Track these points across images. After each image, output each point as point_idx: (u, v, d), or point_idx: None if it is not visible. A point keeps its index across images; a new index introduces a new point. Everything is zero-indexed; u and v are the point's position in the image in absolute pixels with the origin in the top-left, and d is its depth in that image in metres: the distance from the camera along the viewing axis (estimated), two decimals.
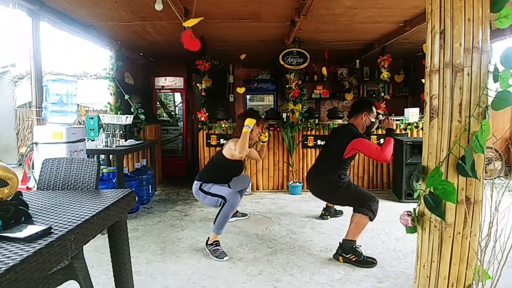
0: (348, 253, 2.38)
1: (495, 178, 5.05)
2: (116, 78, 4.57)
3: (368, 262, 2.35)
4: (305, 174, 4.56)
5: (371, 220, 2.39)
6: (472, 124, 1.25)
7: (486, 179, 1.44)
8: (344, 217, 3.37)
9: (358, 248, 2.38)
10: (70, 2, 3.06)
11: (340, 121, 4.69)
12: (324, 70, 5.02)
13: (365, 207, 2.38)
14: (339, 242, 2.46)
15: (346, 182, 2.61)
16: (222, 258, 2.43)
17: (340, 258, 2.41)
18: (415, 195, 1.46)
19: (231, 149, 2.67)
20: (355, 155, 2.73)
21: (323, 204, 3.44)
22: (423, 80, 1.51)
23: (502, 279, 1.27)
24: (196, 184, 2.78)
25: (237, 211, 3.34)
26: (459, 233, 1.29)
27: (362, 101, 2.96)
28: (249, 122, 2.63)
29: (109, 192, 1.57)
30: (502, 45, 3.98)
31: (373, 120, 2.75)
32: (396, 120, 4.66)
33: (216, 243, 2.53)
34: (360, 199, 2.44)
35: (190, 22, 2.45)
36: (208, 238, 2.58)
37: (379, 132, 4.43)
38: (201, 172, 2.91)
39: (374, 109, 2.77)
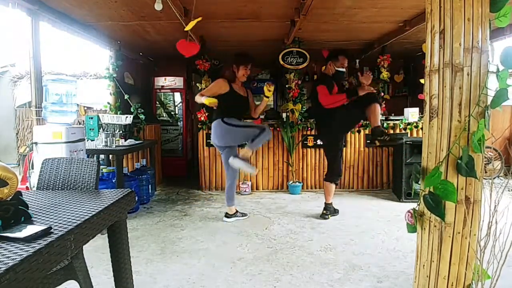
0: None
1: (494, 177, 5.05)
2: (116, 78, 4.56)
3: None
4: (305, 173, 4.60)
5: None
6: (472, 123, 1.25)
7: (485, 179, 1.44)
8: (343, 217, 3.38)
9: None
10: (70, 2, 3.06)
11: None
12: (323, 69, 5.02)
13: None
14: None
15: (340, 150, 3.30)
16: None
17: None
18: (413, 194, 1.46)
19: (211, 88, 3.05)
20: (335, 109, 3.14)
21: (323, 203, 3.45)
22: (422, 81, 1.52)
23: (501, 279, 1.27)
24: (217, 121, 3.07)
25: (236, 211, 3.35)
26: (459, 232, 1.29)
27: (330, 52, 3.39)
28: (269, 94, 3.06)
29: (109, 192, 1.57)
30: (502, 44, 3.99)
31: (339, 69, 3.19)
32: (396, 120, 4.70)
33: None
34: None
35: (190, 25, 2.48)
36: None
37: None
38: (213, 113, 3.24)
39: (340, 58, 3.17)
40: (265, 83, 3.11)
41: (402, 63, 6.27)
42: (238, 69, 3.13)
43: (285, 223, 3.26)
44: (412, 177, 3.44)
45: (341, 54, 3.19)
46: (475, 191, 1.28)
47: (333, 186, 3.32)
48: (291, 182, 4.48)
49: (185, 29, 2.66)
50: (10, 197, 1.21)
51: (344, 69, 3.20)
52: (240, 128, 3.02)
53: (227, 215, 3.28)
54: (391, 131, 4.58)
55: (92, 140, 3.72)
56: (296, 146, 4.53)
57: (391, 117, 4.79)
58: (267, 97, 3.11)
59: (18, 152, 7.22)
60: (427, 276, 1.36)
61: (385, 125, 4.56)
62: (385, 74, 4.82)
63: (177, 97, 6.17)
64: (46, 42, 3.46)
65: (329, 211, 3.32)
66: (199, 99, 2.96)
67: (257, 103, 3.42)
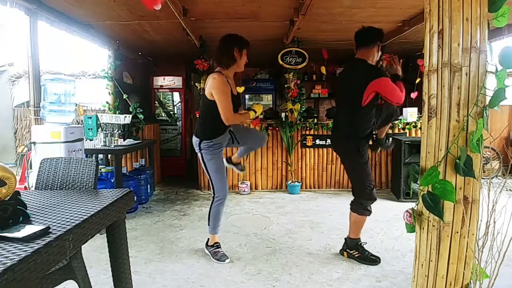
0: (352, 249, 2.44)
1: (492, 177, 5.07)
2: (115, 78, 4.55)
3: (371, 260, 2.38)
4: (304, 173, 4.59)
5: (369, 215, 2.39)
6: (470, 123, 1.25)
7: (483, 179, 1.45)
8: (343, 216, 3.37)
9: (362, 244, 2.43)
10: (68, 1, 3.04)
11: None
12: (323, 70, 5.03)
13: (361, 208, 2.35)
14: (345, 238, 2.52)
15: (365, 161, 2.31)
16: (224, 261, 2.38)
17: (345, 253, 2.48)
18: (411, 193, 1.47)
19: (218, 94, 2.17)
20: (375, 106, 2.22)
21: (322, 203, 3.45)
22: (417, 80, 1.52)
23: (499, 278, 1.28)
24: (195, 141, 2.37)
25: (240, 161, 2.78)
26: (457, 232, 1.30)
27: (375, 29, 2.28)
28: (259, 109, 2.38)
29: (108, 191, 1.56)
30: (500, 44, 4.00)
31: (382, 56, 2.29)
32: (395, 119, 4.70)
33: (217, 245, 2.47)
34: (359, 195, 2.35)
35: None
36: (208, 239, 2.54)
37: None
38: (196, 126, 2.46)
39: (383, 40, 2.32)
40: (254, 104, 2.58)
41: (401, 63, 6.28)
42: (241, 54, 2.33)
43: (284, 223, 3.26)
44: (410, 177, 3.36)
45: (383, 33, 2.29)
46: (474, 191, 1.28)
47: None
48: (290, 181, 4.49)
49: None
50: (8, 197, 1.21)
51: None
52: (204, 165, 2.36)
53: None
54: (390, 131, 4.59)
55: (90, 140, 3.71)
56: (295, 146, 4.53)
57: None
58: (255, 112, 2.44)
59: (16, 151, 7.20)
60: (425, 276, 1.36)
61: None
62: None
63: (176, 96, 6.16)
64: (45, 42, 3.44)
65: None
66: (239, 117, 2.32)
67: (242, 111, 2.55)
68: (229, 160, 2.72)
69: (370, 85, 2.11)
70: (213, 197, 2.42)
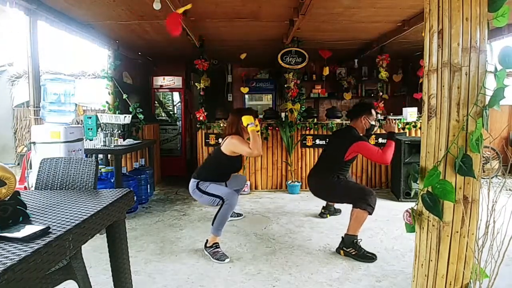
0: (349, 247, 2.47)
1: (492, 177, 5.07)
2: (114, 78, 4.55)
3: (367, 257, 2.41)
4: (304, 173, 4.60)
5: (370, 214, 2.47)
6: (470, 123, 1.25)
7: (483, 178, 1.45)
8: (342, 216, 3.38)
9: (358, 242, 2.47)
10: (68, 1, 3.04)
11: (338, 120, 4.70)
12: (326, 70, 5.04)
13: (363, 202, 2.46)
14: (342, 237, 2.56)
15: (343, 180, 2.75)
16: (223, 261, 2.39)
17: (342, 251, 2.51)
18: (412, 193, 1.47)
19: (239, 147, 2.57)
20: (356, 157, 2.82)
21: (322, 203, 3.45)
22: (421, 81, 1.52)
23: (499, 278, 1.28)
24: (193, 182, 2.69)
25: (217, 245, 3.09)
26: (457, 232, 1.30)
27: (362, 105, 3.01)
28: (249, 120, 2.57)
29: (108, 191, 1.56)
30: (499, 44, 4.00)
31: (373, 123, 2.82)
32: (395, 119, 4.70)
33: (216, 245, 2.49)
34: (357, 194, 2.53)
35: (181, 10, 2.36)
36: (207, 240, 2.54)
37: (378, 131, 4.46)
38: (199, 170, 2.80)
39: (373, 111, 2.82)
40: (259, 121, 2.74)
41: (400, 63, 6.29)
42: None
43: (284, 223, 3.26)
44: (411, 177, 3.38)
45: (373, 107, 2.88)
46: (473, 191, 1.28)
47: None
48: (290, 181, 4.49)
49: (177, 11, 2.45)
50: (8, 197, 1.21)
51: (374, 123, 2.85)
52: (205, 194, 2.59)
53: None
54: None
55: (90, 140, 3.71)
56: (295, 145, 4.53)
57: (390, 117, 4.80)
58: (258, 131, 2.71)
59: (16, 152, 7.19)
60: (425, 275, 1.36)
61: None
62: (383, 74, 4.83)
63: (176, 96, 6.16)
64: (44, 41, 3.44)
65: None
66: (255, 141, 2.53)
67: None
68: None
69: (352, 147, 2.66)
70: (222, 202, 2.51)
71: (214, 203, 2.57)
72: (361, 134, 2.81)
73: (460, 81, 1.26)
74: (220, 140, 4.50)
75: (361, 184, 2.86)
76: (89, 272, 1.54)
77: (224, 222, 2.51)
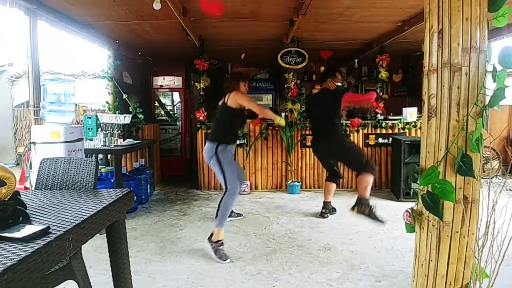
0: (363, 206, 2.89)
1: (492, 177, 5.07)
2: (114, 78, 4.55)
3: (377, 219, 2.82)
4: (304, 173, 4.60)
5: (374, 174, 2.97)
6: (470, 123, 1.25)
7: (483, 178, 1.45)
8: (342, 216, 3.38)
9: (373, 207, 2.87)
10: (68, 1, 3.04)
11: None
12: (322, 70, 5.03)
13: (369, 168, 2.95)
14: (357, 197, 2.97)
15: (349, 140, 3.44)
16: (225, 260, 2.39)
17: (356, 208, 2.92)
18: (411, 193, 1.47)
19: (246, 101, 2.72)
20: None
21: (321, 203, 3.45)
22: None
23: (499, 278, 1.28)
24: (211, 146, 2.68)
25: (232, 211, 3.28)
26: (457, 232, 1.30)
27: (324, 71, 3.64)
28: (281, 122, 2.89)
29: (108, 191, 1.56)
30: (499, 44, 4.00)
31: (338, 84, 3.37)
32: (394, 119, 4.71)
33: (220, 242, 2.49)
34: (361, 160, 3.04)
35: None
36: (212, 234, 2.53)
37: (382, 131, 4.48)
38: (214, 133, 2.84)
39: (337, 74, 3.35)
40: (280, 118, 2.95)
41: (400, 62, 6.29)
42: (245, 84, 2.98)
43: (284, 223, 3.26)
44: (410, 177, 3.46)
45: (336, 70, 3.43)
46: (473, 191, 1.28)
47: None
48: (290, 181, 4.49)
49: None
50: (8, 197, 1.20)
51: (340, 83, 3.47)
52: (218, 167, 2.67)
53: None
54: (390, 131, 4.60)
55: (90, 140, 3.71)
56: (295, 145, 4.53)
57: (390, 117, 4.81)
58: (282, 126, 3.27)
59: (16, 152, 7.20)
60: (425, 275, 1.36)
61: (383, 124, 4.58)
62: (383, 74, 4.83)
63: (176, 96, 6.16)
64: (44, 42, 3.43)
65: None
66: (268, 112, 2.86)
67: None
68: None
69: (344, 98, 3.19)
70: (225, 190, 2.63)
71: (220, 178, 2.71)
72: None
73: (460, 81, 1.26)
74: None
75: (357, 147, 3.60)
76: (89, 272, 1.54)
77: (227, 211, 2.59)
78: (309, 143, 4.58)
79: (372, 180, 2.95)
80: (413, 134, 4.59)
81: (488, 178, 3.32)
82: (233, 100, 2.73)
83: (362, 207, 2.89)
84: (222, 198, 2.62)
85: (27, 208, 1.21)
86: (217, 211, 2.61)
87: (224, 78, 3.18)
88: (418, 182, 1.39)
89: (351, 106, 3.51)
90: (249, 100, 2.76)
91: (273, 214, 3.54)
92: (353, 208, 2.96)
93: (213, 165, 2.71)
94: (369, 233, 2.90)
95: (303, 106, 4.66)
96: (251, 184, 4.57)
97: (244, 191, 4.45)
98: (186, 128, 6.02)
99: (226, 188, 2.63)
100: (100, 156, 4.10)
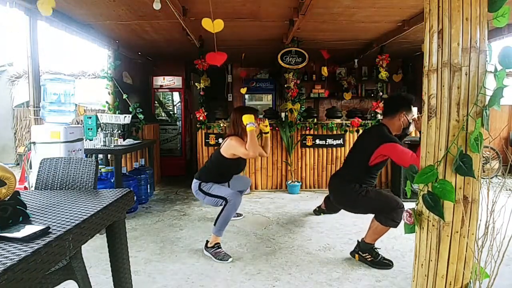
0: (365, 252, 2.34)
1: (492, 177, 5.07)
2: (114, 78, 4.55)
3: (384, 264, 2.29)
4: (304, 173, 4.59)
5: (395, 227, 2.27)
6: (470, 123, 1.25)
7: (483, 178, 1.45)
8: (342, 216, 3.38)
9: (376, 249, 2.34)
10: (68, 1, 3.04)
11: (338, 120, 4.70)
12: (324, 70, 5.03)
13: (388, 219, 2.23)
14: (357, 240, 2.41)
15: (365, 190, 2.32)
16: (227, 260, 2.38)
17: (357, 256, 2.37)
18: (408, 194, 1.47)
19: (237, 149, 2.52)
20: (384, 162, 2.36)
21: (321, 203, 3.44)
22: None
23: (499, 278, 1.28)
24: (195, 183, 2.71)
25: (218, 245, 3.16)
26: (457, 232, 1.30)
27: (401, 98, 2.46)
28: (249, 119, 2.49)
29: (108, 191, 1.56)
30: (499, 44, 4.00)
31: (411, 121, 2.36)
32: None
33: (218, 245, 2.48)
34: (381, 208, 2.27)
35: (218, 27, 2.51)
36: (207, 241, 2.53)
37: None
38: (200, 171, 2.82)
39: (413, 107, 2.38)
40: (259, 123, 2.68)
41: (400, 62, 6.29)
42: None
43: (284, 223, 3.26)
44: (408, 177, 3.33)
45: (413, 101, 2.41)
46: (473, 191, 1.28)
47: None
48: (290, 181, 4.49)
49: (213, 32, 2.70)
50: (8, 197, 1.21)
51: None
52: (207, 195, 2.60)
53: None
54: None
55: (90, 140, 3.71)
56: (295, 145, 4.53)
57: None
58: (266, 132, 2.79)
59: (16, 152, 7.20)
60: (425, 275, 1.36)
61: None
62: (383, 74, 4.83)
63: (176, 96, 6.16)
64: (44, 41, 3.43)
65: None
66: (253, 142, 2.46)
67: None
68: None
69: (379, 149, 2.25)
70: (226, 203, 2.50)
71: (218, 204, 2.57)
72: (394, 134, 2.34)
73: (460, 81, 1.26)
74: (220, 140, 4.50)
75: (387, 193, 2.40)
76: (89, 272, 1.54)
77: (226, 222, 2.50)
78: (309, 143, 4.58)
79: (386, 231, 2.29)
80: (413, 134, 4.58)
81: (488, 178, 3.32)
82: (226, 149, 2.57)
83: (365, 254, 2.32)
84: (222, 209, 2.50)
85: (27, 208, 1.21)
86: (216, 219, 2.50)
87: (234, 108, 2.86)
88: (413, 182, 1.37)
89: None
90: (239, 145, 2.50)
91: (273, 214, 3.54)
92: (353, 255, 2.39)
93: (202, 198, 2.65)
94: None
95: (303, 106, 4.66)
96: (251, 184, 4.57)
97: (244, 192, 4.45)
98: (186, 128, 6.02)
99: (226, 202, 2.50)
100: (100, 156, 4.10)
